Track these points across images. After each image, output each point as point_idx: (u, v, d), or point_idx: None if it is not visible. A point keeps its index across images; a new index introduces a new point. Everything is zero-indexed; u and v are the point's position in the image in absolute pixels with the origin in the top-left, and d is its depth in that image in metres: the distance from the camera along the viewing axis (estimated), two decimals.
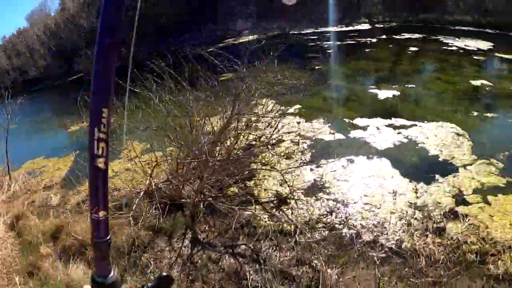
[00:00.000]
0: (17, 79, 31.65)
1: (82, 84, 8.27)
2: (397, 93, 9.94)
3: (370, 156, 6.89)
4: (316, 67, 12.63)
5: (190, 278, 4.70)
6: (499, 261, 4.65)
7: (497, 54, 14.69)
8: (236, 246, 5.12)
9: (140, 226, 5.67)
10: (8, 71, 33.77)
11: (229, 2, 21.43)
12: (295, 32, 19.46)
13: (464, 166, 6.41)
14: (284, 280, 4.45)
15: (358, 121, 8.29)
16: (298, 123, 8.47)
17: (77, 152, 7.24)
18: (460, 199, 5.61)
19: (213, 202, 5.77)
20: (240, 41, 20.07)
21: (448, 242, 4.92)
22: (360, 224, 5.22)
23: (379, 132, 7.77)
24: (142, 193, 6.33)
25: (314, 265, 4.63)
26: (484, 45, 15.92)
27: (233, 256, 4.95)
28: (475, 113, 8.60)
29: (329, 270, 4.51)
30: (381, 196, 5.74)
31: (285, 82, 7.71)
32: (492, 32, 18.97)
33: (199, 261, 4.92)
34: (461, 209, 5.38)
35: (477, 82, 10.74)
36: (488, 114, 8.57)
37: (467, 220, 5.22)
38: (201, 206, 5.73)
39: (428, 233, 5.03)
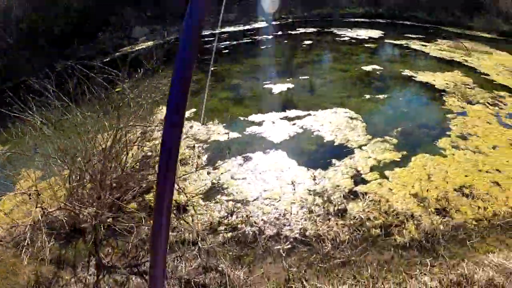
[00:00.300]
0: None
1: None
2: (292, 85, 10.21)
3: (267, 150, 6.91)
4: (213, 68, 12.61)
5: None
6: (404, 230, 5.01)
7: (386, 41, 16.08)
8: (141, 264, 4.91)
9: (40, 261, 5.18)
10: None
11: (126, 8, 20.62)
12: None
13: (360, 147, 6.78)
14: None
15: (254, 118, 8.32)
16: (191, 127, 8.30)
17: None
18: (358, 179, 5.90)
19: (113, 222, 5.48)
20: (137, 48, 19.47)
21: (352, 222, 5.11)
22: (262, 219, 5.17)
23: (274, 126, 7.87)
24: (39, 224, 5.69)
25: (221, 269, 4.51)
26: (375, 33, 17.31)
27: (139, 274, 4.75)
28: (368, 96, 9.20)
29: (236, 272, 4.42)
30: (280, 189, 5.76)
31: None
32: (383, 22, 20.76)
33: (106, 287, 4.71)
34: (360, 188, 5.67)
35: (368, 68, 11.55)
36: (380, 96, 9.22)
37: (367, 197, 5.50)
38: (102, 229, 5.31)
39: (330, 216, 5.16)
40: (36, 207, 6.17)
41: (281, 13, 22.11)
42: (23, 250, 5.28)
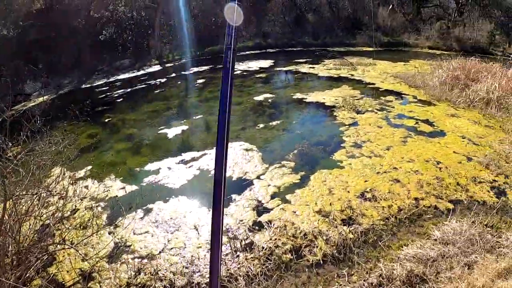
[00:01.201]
0: None
1: None
2: (186, 127, 10.27)
3: (166, 198, 6.72)
4: (108, 120, 12.19)
5: None
6: (315, 249, 5.17)
7: (277, 69, 17.04)
8: None
9: None
10: None
11: (14, 62, 19.10)
12: (87, 86, 18.58)
13: (258, 177, 6.97)
14: None
15: (151, 166, 8.09)
16: (86, 187, 7.84)
17: None
18: (261, 209, 6.03)
19: None
20: (30, 105, 18.16)
21: (261, 253, 5.15)
22: (171, 271, 4.99)
23: (172, 172, 7.72)
24: None
25: None
26: (266, 63, 18.29)
27: None
28: (261, 125, 9.64)
29: None
30: (184, 235, 5.65)
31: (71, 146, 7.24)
32: (273, 51, 21.91)
33: None
34: (264, 218, 5.79)
35: (260, 97, 12.12)
36: (273, 123, 9.70)
37: (272, 225, 5.61)
38: None
39: (238, 253, 5.16)
40: None
41: (174, 55, 22.34)
42: None
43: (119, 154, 9.01)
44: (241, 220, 5.74)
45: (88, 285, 5.21)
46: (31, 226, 6.29)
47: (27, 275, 5.54)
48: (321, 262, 4.91)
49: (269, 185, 6.61)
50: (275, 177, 6.85)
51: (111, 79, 18.75)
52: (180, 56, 22.52)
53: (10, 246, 5.76)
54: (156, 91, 15.14)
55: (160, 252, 5.41)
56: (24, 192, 6.28)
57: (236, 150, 8.21)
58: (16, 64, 18.93)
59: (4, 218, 5.72)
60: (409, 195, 6.19)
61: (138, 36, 22.56)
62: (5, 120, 5.95)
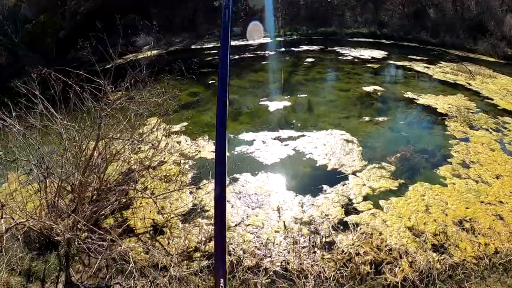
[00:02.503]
0: None
1: None
2: (289, 103, 9.81)
3: (255, 172, 6.43)
4: (212, 81, 12.28)
5: None
6: (396, 268, 4.47)
7: (389, 62, 15.69)
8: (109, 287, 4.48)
9: (10, 272, 4.96)
10: None
11: (131, 15, 20.34)
12: (197, 47, 19.08)
13: (354, 173, 6.31)
14: None
15: (246, 136, 7.87)
16: (178, 142, 7.87)
17: None
18: (350, 208, 5.41)
19: (87, 236, 5.04)
20: (140, 56, 19.25)
21: (339, 257, 4.59)
22: (242, 248, 4.70)
23: (266, 146, 7.38)
24: (11, 233, 5.38)
25: None
26: (378, 54, 16.98)
27: None
28: (367, 118, 8.77)
29: None
30: (265, 215, 5.29)
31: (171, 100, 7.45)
32: (387, 43, 20.44)
33: None
34: (351, 219, 5.17)
35: (369, 88, 11.16)
36: (379, 118, 8.78)
37: (358, 229, 4.99)
38: (75, 243, 4.89)
39: (316, 249, 4.66)
40: (10, 217, 5.88)
41: (286, 30, 21.92)
42: None
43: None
44: (327, 215, 5.21)
45: (157, 238, 5.19)
46: (117, 168, 6.45)
47: (102, 212, 5.73)
48: (399, 285, 4.22)
49: (364, 185, 5.94)
50: (372, 178, 6.13)
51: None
52: (291, 32, 22.06)
53: (94, 182, 5.92)
54: (263, 62, 15.01)
55: (236, 225, 5.16)
56: (118, 135, 6.43)
57: (336, 138, 7.58)
58: (133, 17, 19.92)
59: (94, 156, 5.88)
60: (510, 237, 5.11)
61: (252, 7, 22.35)
62: (112, 66, 6.00)
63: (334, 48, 17.59)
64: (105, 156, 6.02)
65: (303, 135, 7.71)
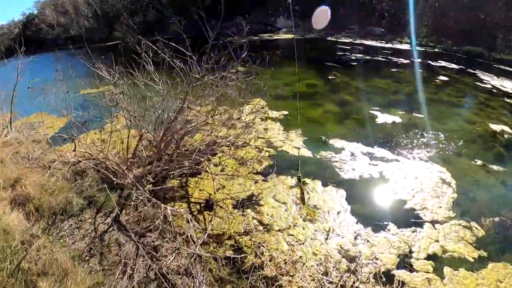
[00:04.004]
0: (60, 35, 32.75)
1: (116, 51, 7.94)
2: (399, 120, 8.39)
3: (327, 182, 5.62)
4: (332, 77, 11.40)
5: (91, 251, 4.61)
6: None
7: None
8: (145, 237, 4.67)
9: (78, 194, 5.61)
10: (53, 26, 34.80)
11: None
12: (333, 39, 18.08)
13: (433, 222, 5.00)
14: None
15: (337, 141, 7.00)
16: (265, 129, 7.40)
17: (74, 114, 6.85)
18: (406, 261, 4.27)
19: (151, 188, 5.35)
20: (276, 37, 19.08)
21: None
22: (271, 255, 4.19)
23: (352, 159, 6.41)
24: (95, 164, 6.04)
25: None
26: None
27: (136, 245, 4.53)
28: (479, 162, 6.96)
29: None
30: (311, 231, 4.59)
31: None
32: None
33: (108, 239, 4.73)
34: (400, 275, 4.09)
35: (498, 127, 8.94)
36: (495, 167, 6.87)
37: None
38: (137, 191, 5.05)
39: None
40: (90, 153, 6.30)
41: (428, 40, 19.34)
42: (72, 181, 5.99)
43: (324, 114, 8.19)
44: (376, 259, 4.20)
45: (204, 212, 5.09)
46: (204, 137, 6.33)
47: (172, 172, 5.77)
48: None
49: (436, 241, 4.63)
50: (451, 236, 4.74)
51: (357, 41, 17.60)
52: (434, 44, 19.28)
53: (172, 144, 5.86)
54: (393, 70, 13.23)
55: (280, 229, 4.63)
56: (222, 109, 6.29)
57: (432, 175, 6.12)
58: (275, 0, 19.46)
59: (177, 120, 5.80)
60: None
61: (398, 9, 19.90)
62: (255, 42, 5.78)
63: (475, 72, 14.69)
64: (196, 121, 5.97)
65: (397, 160, 6.47)
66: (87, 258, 4.53)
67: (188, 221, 4.71)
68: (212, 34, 5.42)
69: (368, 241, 4.45)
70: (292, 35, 18.41)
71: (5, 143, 8.96)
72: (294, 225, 4.68)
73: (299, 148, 6.64)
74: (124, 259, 4.38)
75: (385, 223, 4.78)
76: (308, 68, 12.65)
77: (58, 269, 4.26)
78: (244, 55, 5.65)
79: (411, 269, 4.18)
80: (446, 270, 4.23)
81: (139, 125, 5.95)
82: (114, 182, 5.32)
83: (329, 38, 18.19)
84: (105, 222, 5.16)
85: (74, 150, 7.07)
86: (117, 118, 6.56)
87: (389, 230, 4.68)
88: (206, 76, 5.53)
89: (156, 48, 5.84)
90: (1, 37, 38.43)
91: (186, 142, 6.41)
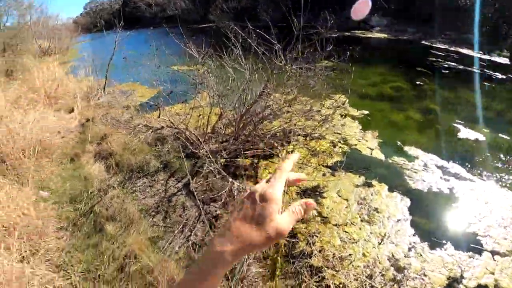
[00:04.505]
0: (157, 14, 34.92)
1: (207, 34, 8.58)
2: (483, 138, 7.64)
3: (392, 188, 5.54)
4: (420, 83, 10.97)
5: (157, 208, 5.20)
6: None
7: None
8: (209, 206, 5.10)
9: (156, 157, 6.44)
10: (151, 5, 37.12)
11: None
12: (427, 44, 17.16)
13: (494, 252, 4.51)
14: None
15: (412, 149, 6.77)
16: (343, 125, 7.42)
17: (163, 87, 7.58)
18: (454, 285, 3.98)
19: (222, 164, 5.74)
20: (368, 36, 18.55)
21: None
22: (320, 246, 4.36)
23: (423, 169, 6.15)
24: (176, 133, 6.79)
25: None
26: None
27: (199, 211, 4.98)
28: None
29: None
30: (366, 232, 4.63)
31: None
32: None
33: (175, 201, 5.28)
34: None
35: None
36: None
37: None
38: (211, 163, 5.48)
39: None
40: (195, 122, 6.92)
41: None
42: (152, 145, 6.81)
43: (405, 119, 8.01)
44: (425, 275, 4.03)
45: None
46: (282, 124, 6.57)
47: (246, 152, 6.21)
48: None
49: (492, 273, 4.18)
50: (508, 271, 4.21)
51: (452, 48, 16.40)
52: None
53: (250, 125, 6.18)
54: (486, 83, 11.96)
55: (337, 224, 4.76)
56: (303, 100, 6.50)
57: (506, 200, 5.49)
58: None
59: (260, 105, 6.09)
60: None
61: (500, 18, 17.83)
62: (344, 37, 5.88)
63: None
64: (279, 109, 6.22)
65: (472, 180, 6.02)
66: (153, 213, 5.12)
67: None
68: (299, 25, 5.54)
69: (421, 255, 4.33)
70: (385, 35, 17.81)
71: (97, 104, 10.09)
72: (351, 223, 4.75)
73: (372, 149, 6.63)
74: (186, 221, 4.85)
75: (443, 241, 4.58)
76: (396, 70, 12.27)
77: (125, 217, 4.91)
78: (329, 48, 5.74)
79: None
80: None
81: (221, 104, 6.37)
82: (190, 152, 5.78)
83: (423, 42, 17.29)
84: (175, 186, 5.73)
85: (159, 117, 7.76)
86: (201, 94, 7.06)
87: (445, 249, 4.46)
88: (289, 65, 5.73)
89: (243, 34, 6.17)
90: (102, 12, 42.12)
91: (264, 126, 6.72)
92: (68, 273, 4.07)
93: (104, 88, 11.09)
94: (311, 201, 0.87)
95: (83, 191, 5.75)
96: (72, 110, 9.60)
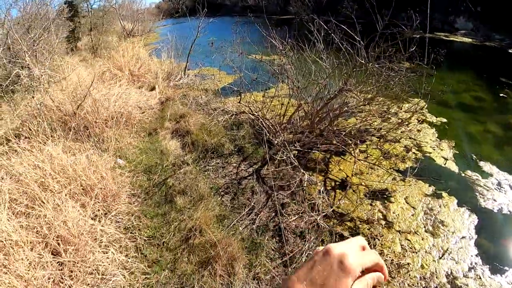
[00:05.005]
0: (238, 2, 35.62)
1: (290, 25, 8.76)
2: None
3: (463, 203, 5.23)
4: (504, 95, 10.26)
5: (227, 189, 5.44)
6: None
7: None
8: (277, 193, 5.21)
9: (231, 141, 6.77)
10: None
11: None
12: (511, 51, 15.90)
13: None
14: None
15: (487, 166, 6.25)
16: (419, 131, 7.16)
17: (243, 74, 7.86)
18: None
19: (294, 155, 5.81)
20: (452, 39, 17.55)
21: None
22: (380, 249, 4.30)
23: (497, 188, 5.65)
24: (253, 120, 7.08)
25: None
26: None
27: (267, 197, 5.17)
28: None
29: None
30: (429, 243, 4.46)
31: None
32: None
33: (245, 184, 5.49)
34: None
35: None
36: None
37: None
38: (285, 152, 5.63)
39: None
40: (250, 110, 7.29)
41: None
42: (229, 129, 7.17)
43: (483, 132, 7.55)
44: None
45: (337, 190, 5.39)
46: (358, 122, 6.56)
47: (319, 146, 6.26)
48: None
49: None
50: None
51: None
52: None
53: (326, 121, 6.23)
54: None
55: (400, 231, 4.66)
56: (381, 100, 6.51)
57: None
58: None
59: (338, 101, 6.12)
60: None
61: None
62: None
63: None
64: (341, 106, 6.23)
65: None
66: (222, 193, 5.34)
67: (319, 192, 5.12)
68: (382, 23, 5.42)
69: (480, 278, 4.06)
70: (470, 39, 16.78)
71: (177, 85, 10.61)
72: (415, 232, 4.61)
73: (446, 159, 6.40)
74: (253, 205, 5.00)
75: (506, 268, 4.23)
76: (478, 79, 11.55)
77: (195, 193, 5.15)
78: (412, 49, 5.60)
79: None
80: None
81: (299, 96, 6.49)
82: (265, 139, 5.98)
83: (510, 51, 16.05)
84: (247, 170, 5.93)
85: (239, 103, 8.04)
86: (281, 85, 7.23)
87: (506, 277, 4.11)
88: (371, 63, 5.69)
89: (327, 28, 6.19)
90: None
91: (339, 122, 6.73)
92: (135, 236, 4.41)
93: (185, 70, 11.65)
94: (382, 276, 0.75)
95: (158, 164, 6.15)
96: (153, 89, 10.22)
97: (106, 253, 4.00)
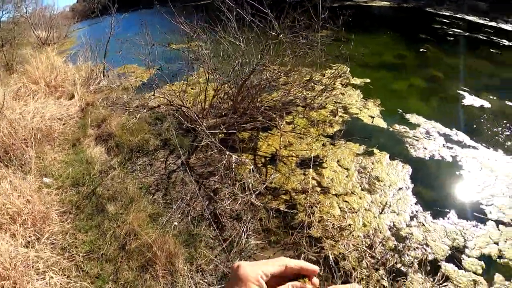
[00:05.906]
0: None
1: (199, 8, 8.50)
2: (488, 105, 7.31)
3: (395, 157, 5.45)
4: (424, 50, 10.75)
5: (157, 186, 5.30)
6: None
7: None
8: (208, 180, 5.18)
9: (155, 136, 6.54)
10: None
11: None
12: (431, 11, 16.72)
13: (498, 222, 4.33)
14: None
15: (414, 118, 6.58)
16: (342, 94, 7.34)
17: (161, 66, 7.51)
18: (457, 254, 3.86)
19: (220, 139, 5.80)
20: (370, 4, 18.16)
21: None
22: (319, 216, 4.35)
23: (426, 137, 5.99)
24: (174, 111, 6.87)
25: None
26: None
27: (198, 186, 5.11)
28: None
29: None
30: (367, 201, 4.61)
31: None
32: None
33: (174, 178, 5.38)
34: (446, 267, 3.78)
35: None
36: None
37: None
38: (209, 138, 5.45)
39: (380, 268, 3.73)
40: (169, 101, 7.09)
41: None
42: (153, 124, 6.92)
43: (408, 88, 7.87)
44: (427, 245, 4.00)
45: (267, 165, 5.41)
46: (280, 95, 6.53)
47: (244, 125, 6.22)
48: None
49: (496, 243, 4.01)
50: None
51: (457, 15, 15.92)
52: None
53: (247, 98, 6.16)
54: (492, 51, 11.26)
55: (336, 194, 4.72)
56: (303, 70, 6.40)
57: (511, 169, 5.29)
58: None
59: (257, 77, 6.05)
60: None
61: None
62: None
63: None
64: (262, 79, 6.19)
65: (475, 148, 5.81)
66: (153, 191, 5.19)
67: (250, 171, 5.05)
68: None
69: (423, 224, 4.24)
70: (388, 3, 17.43)
71: (97, 89, 10.14)
72: (352, 193, 4.71)
73: (373, 117, 6.55)
74: (184, 196, 4.91)
75: (446, 210, 4.46)
76: (398, 38, 12.06)
77: (125, 197, 4.99)
78: (324, 15, 5.62)
79: (460, 266, 3.76)
80: (497, 277, 3.67)
81: (217, 79, 6.34)
82: (189, 128, 5.79)
83: (427, 9, 16.87)
84: (175, 163, 5.80)
85: (153, 95, 7.78)
86: (198, 71, 7.04)
87: (448, 218, 4.36)
88: (282, 34, 5.64)
89: (233, 5, 6.08)
90: None
91: (263, 98, 6.68)
92: (73, 254, 4.17)
93: (103, 72, 11.11)
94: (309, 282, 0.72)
95: (85, 175, 5.83)
96: (72, 97, 9.62)
97: (45, 279, 3.71)
